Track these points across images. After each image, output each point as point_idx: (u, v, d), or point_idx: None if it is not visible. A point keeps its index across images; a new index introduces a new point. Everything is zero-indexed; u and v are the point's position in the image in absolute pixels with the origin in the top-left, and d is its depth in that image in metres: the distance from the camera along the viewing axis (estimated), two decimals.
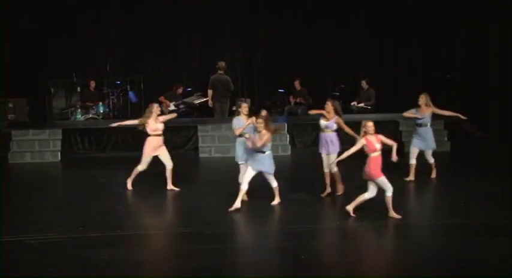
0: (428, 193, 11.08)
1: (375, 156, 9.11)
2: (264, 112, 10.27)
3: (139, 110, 17.39)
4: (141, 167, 10.81)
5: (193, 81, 17.73)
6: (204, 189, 11.30)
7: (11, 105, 16.31)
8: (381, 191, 9.04)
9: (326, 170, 10.39)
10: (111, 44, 17.74)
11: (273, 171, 9.79)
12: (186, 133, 14.71)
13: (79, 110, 16.31)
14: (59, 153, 14.22)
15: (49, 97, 16.84)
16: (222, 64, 15.89)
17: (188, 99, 16.60)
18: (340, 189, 10.43)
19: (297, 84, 16.98)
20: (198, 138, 14.64)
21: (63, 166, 13.92)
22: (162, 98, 16.61)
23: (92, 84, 16.56)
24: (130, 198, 10.92)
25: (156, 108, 11.03)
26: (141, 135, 14.73)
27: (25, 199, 10.75)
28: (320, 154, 10.42)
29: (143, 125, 10.91)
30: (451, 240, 8.47)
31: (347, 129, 10.25)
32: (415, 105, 17.05)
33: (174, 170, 10.87)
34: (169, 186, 10.84)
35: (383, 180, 9.05)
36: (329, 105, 10.26)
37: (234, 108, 17.08)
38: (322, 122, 10.34)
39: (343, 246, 8.51)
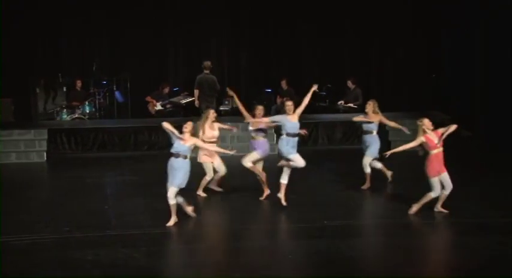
0: (416, 191, 10.98)
1: (436, 153, 9.04)
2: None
3: (126, 110, 17.35)
4: (209, 176, 10.51)
5: (179, 81, 17.63)
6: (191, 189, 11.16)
7: None
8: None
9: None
10: (97, 44, 17.64)
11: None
12: None
13: (65, 110, 16.16)
14: (45, 153, 14.09)
15: (34, 97, 16.68)
16: (207, 63, 15.75)
17: (175, 99, 16.51)
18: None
19: (283, 83, 16.93)
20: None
21: (49, 167, 13.79)
22: (148, 98, 16.52)
23: (78, 83, 16.43)
24: (117, 198, 10.82)
25: (212, 114, 10.59)
26: (126, 134, 14.72)
27: (10, 199, 10.62)
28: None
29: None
30: (439, 239, 8.47)
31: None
32: (400, 105, 17.21)
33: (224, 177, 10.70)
34: (199, 191, 10.61)
35: (444, 177, 9.07)
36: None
37: (221, 108, 17.06)
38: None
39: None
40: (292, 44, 18.08)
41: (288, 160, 9.67)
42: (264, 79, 17.90)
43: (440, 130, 9.13)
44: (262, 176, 10.27)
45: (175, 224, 8.97)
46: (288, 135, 9.67)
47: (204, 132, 10.24)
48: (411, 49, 17.77)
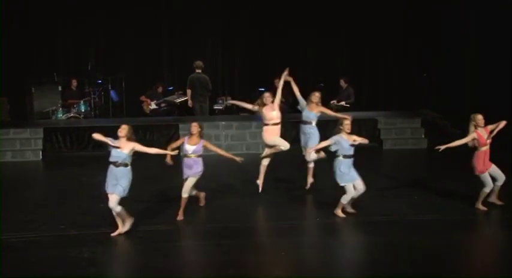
0: (404, 189, 11.04)
1: (484, 149, 9.09)
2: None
3: (121, 109, 17.36)
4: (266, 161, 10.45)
5: (174, 80, 17.65)
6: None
7: None
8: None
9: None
10: (93, 44, 17.63)
11: None
12: (167, 131, 14.64)
13: (60, 109, 16.17)
14: (40, 152, 14.10)
15: (30, 96, 16.66)
16: (199, 63, 15.77)
17: (169, 98, 16.54)
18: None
19: (277, 82, 16.84)
20: (179, 136, 14.56)
21: (44, 165, 13.80)
22: (143, 97, 16.54)
23: (74, 83, 16.44)
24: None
25: (267, 96, 10.35)
26: None
27: (6, 198, 10.63)
28: None
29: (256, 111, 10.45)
30: (425, 236, 8.53)
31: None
32: (393, 104, 17.29)
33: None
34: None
35: (493, 170, 9.16)
36: None
37: (214, 107, 17.08)
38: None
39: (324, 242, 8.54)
40: (285, 44, 18.11)
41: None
42: (257, 78, 17.92)
43: (490, 127, 9.11)
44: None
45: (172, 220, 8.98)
46: None
47: (263, 114, 10.29)
48: (403, 49, 17.85)
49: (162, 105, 16.44)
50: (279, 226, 9.09)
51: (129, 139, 8.48)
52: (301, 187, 10.77)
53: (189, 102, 15.80)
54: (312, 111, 10.55)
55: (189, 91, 15.68)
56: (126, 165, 8.45)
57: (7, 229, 8.99)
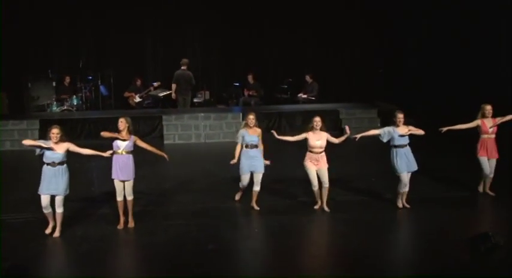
0: (364, 171, 11.07)
1: (485, 137, 8.97)
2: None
3: (109, 102, 17.19)
4: None
5: (158, 76, 17.50)
6: (172, 172, 11.13)
7: None
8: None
9: None
10: (84, 43, 17.43)
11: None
12: (152, 122, 14.57)
13: (55, 103, 15.99)
14: None
15: (27, 91, 16.44)
16: (185, 61, 15.82)
17: (153, 92, 16.41)
18: None
19: (250, 78, 16.95)
20: (163, 126, 14.51)
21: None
22: (126, 93, 16.42)
23: (67, 79, 16.28)
24: (102, 180, 10.76)
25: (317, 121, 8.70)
26: (110, 124, 14.56)
27: (5, 183, 10.52)
28: None
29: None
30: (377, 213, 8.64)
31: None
32: (352, 96, 17.36)
33: None
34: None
35: (483, 160, 9.03)
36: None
37: (195, 100, 17.02)
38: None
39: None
40: (257, 44, 18.08)
41: None
42: (233, 75, 17.88)
43: (498, 118, 9.00)
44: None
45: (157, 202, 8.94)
46: None
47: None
48: (362, 47, 17.89)
49: (144, 95, 16.30)
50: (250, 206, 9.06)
51: (62, 139, 7.90)
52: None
53: (173, 95, 15.74)
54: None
55: (174, 86, 15.64)
56: (62, 164, 7.87)
57: (7, 210, 8.91)
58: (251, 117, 8.82)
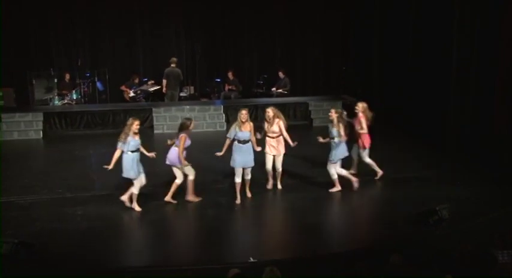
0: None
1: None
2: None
3: (105, 96, 17.05)
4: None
5: (148, 73, 17.38)
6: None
7: (0, 94, 15.72)
8: None
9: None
10: (82, 43, 17.21)
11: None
12: (143, 114, 14.48)
13: (57, 97, 15.85)
14: (41, 132, 13.79)
15: (32, 87, 16.24)
16: (174, 59, 15.86)
17: (143, 87, 16.33)
18: None
19: (230, 74, 16.92)
20: (153, 118, 14.46)
21: (44, 142, 13.52)
22: (123, 87, 16.32)
23: (67, 75, 16.12)
24: (99, 166, 10.71)
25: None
26: (106, 116, 14.50)
27: (14, 168, 10.47)
28: None
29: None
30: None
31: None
32: (320, 90, 17.43)
33: None
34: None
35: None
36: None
37: (181, 94, 16.95)
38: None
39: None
40: (237, 43, 18.02)
41: None
42: (214, 71, 17.84)
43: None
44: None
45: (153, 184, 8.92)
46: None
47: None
48: (327, 46, 17.93)
49: (138, 92, 16.23)
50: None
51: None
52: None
53: (164, 89, 15.73)
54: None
55: (164, 82, 15.63)
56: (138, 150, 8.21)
57: (15, 192, 8.87)
58: (244, 113, 8.40)
